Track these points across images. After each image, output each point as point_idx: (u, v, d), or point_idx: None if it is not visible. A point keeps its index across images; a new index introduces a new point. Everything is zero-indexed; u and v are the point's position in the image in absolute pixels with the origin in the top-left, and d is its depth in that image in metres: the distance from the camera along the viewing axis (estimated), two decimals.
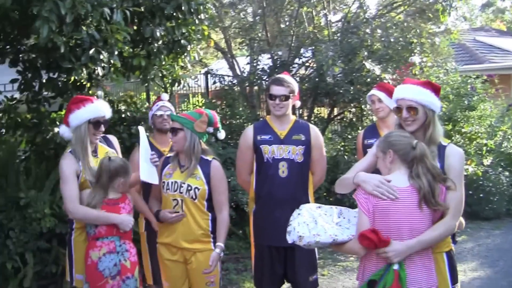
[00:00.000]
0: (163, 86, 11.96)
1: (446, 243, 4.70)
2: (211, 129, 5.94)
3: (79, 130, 5.71)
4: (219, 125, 5.98)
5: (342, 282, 9.33)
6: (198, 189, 5.64)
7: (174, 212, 5.67)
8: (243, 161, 6.48)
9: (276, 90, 6.15)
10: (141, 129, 5.97)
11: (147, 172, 5.76)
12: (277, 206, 6.05)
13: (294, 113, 6.56)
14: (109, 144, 6.14)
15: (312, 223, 4.51)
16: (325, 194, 12.26)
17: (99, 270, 5.47)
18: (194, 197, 5.65)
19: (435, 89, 4.78)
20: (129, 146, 9.52)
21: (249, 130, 6.39)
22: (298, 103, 6.48)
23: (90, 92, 8.57)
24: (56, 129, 5.81)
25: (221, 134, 6.05)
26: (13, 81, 8.24)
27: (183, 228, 5.67)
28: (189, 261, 5.74)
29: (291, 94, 6.15)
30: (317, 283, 6.43)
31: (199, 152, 5.73)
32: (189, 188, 5.64)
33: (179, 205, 5.68)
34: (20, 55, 8.18)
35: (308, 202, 6.11)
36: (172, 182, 5.71)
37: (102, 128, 5.88)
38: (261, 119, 12.98)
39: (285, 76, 6.37)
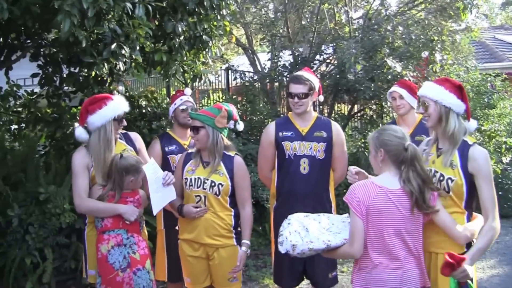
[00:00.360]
0: (184, 81, 11.96)
1: (459, 247, 4.64)
2: (232, 124, 5.90)
3: (104, 129, 5.61)
4: (237, 117, 5.94)
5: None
6: (222, 185, 5.61)
7: (197, 206, 5.63)
8: (264, 157, 6.44)
9: (294, 88, 6.11)
10: (146, 168, 5.72)
11: (159, 200, 5.68)
12: (298, 203, 5.99)
13: (315, 109, 6.51)
14: (128, 141, 6.04)
15: (303, 231, 4.53)
16: (345, 191, 12.17)
17: (109, 262, 5.43)
18: (217, 193, 5.62)
19: (452, 86, 4.81)
20: (149, 142, 9.48)
21: (271, 127, 6.36)
22: (321, 98, 6.43)
23: (111, 87, 8.55)
24: (76, 124, 5.71)
25: (240, 126, 6.01)
26: (34, 75, 8.21)
27: (205, 224, 5.65)
28: (212, 257, 5.71)
29: (310, 91, 6.11)
30: (336, 280, 6.40)
31: (222, 148, 5.69)
32: (213, 184, 5.61)
33: (202, 201, 5.66)
34: (41, 50, 8.15)
35: (329, 198, 6.22)
36: (195, 179, 5.67)
37: (124, 123, 5.85)
38: (282, 115, 12.98)
39: (304, 72, 6.33)
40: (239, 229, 5.76)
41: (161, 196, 5.64)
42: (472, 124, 4.90)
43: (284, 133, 6.20)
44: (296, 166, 6.10)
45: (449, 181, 4.67)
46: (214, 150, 5.64)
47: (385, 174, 4.50)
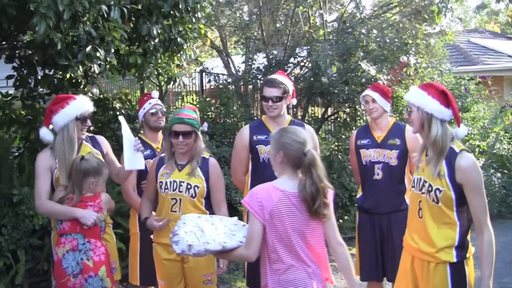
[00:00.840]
0: (159, 84, 11.97)
1: (447, 252, 4.71)
2: (205, 126, 5.97)
3: (66, 129, 5.59)
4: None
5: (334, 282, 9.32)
6: (198, 187, 5.62)
7: (159, 219, 5.65)
8: (238, 161, 6.47)
9: (268, 91, 6.15)
10: (122, 118, 5.87)
11: (131, 160, 5.72)
12: None
13: (288, 112, 6.54)
14: (95, 144, 5.99)
15: (199, 232, 4.51)
16: (341, 192, 12.30)
17: (63, 267, 5.40)
18: (193, 195, 5.62)
19: (435, 92, 4.76)
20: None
21: (245, 130, 6.39)
22: (294, 101, 6.48)
23: (86, 89, 8.55)
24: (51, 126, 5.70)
25: (205, 126, 6.09)
26: (8, 77, 8.20)
27: None
28: (186, 259, 5.70)
29: (284, 95, 6.16)
30: None
31: (201, 150, 5.72)
32: (189, 186, 5.61)
33: (177, 204, 5.64)
34: (16, 51, 8.15)
35: None
36: (171, 182, 5.65)
37: (89, 123, 5.79)
38: (255, 118, 13.02)
39: (278, 76, 6.36)
40: None
41: (133, 157, 5.74)
42: (462, 130, 4.83)
43: (258, 137, 6.24)
44: (270, 170, 6.03)
45: (437, 191, 4.67)
46: (196, 153, 5.67)
47: (284, 177, 4.50)
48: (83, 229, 5.45)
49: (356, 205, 7.73)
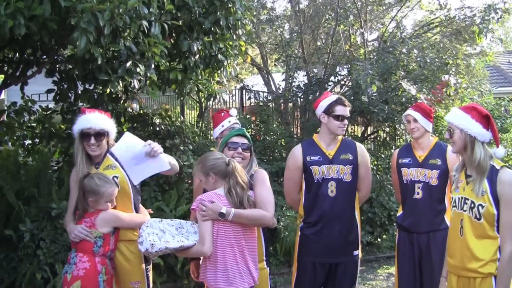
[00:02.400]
0: (199, 100, 11.97)
1: (491, 265, 4.72)
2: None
3: (75, 141, 5.66)
4: None
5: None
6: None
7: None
8: (292, 181, 6.42)
9: (343, 110, 6.18)
10: (120, 143, 5.72)
11: (141, 172, 5.71)
12: (325, 224, 6.10)
13: None
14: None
15: (160, 233, 5.06)
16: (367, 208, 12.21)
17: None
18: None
19: (478, 115, 4.83)
20: None
21: (298, 151, 6.35)
22: None
23: (126, 104, 8.56)
24: None
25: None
26: (49, 91, 8.26)
27: None
28: None
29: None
30: None
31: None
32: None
33: None
34: (57, 66, 8.21)
35: (355, 218, 6.24)
36: None
37: (92, 140, 5.56)
38: (295, 136, 12.98)
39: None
40: None
41: (143, 168, 5.67)
42: (500, 151, 4.92)
43: (312, 157, 6.20)
44: (324, 189, 6.11)
45: (480, 207, 4.73)
46: (252, 168, 5.63)
47: (219, 189, 5.15)
48: (73, 243, 5.45)
49: (395, 223, 7.68)
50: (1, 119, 9.39)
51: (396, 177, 7.00)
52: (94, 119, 5.63)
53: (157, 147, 5.54)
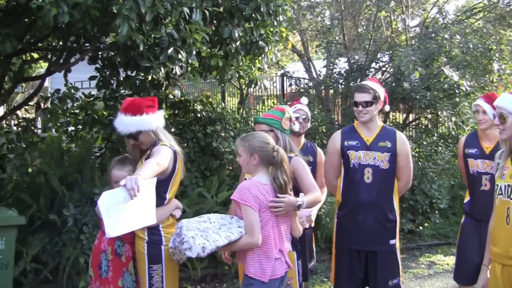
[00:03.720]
0: (240, 87, 11.99)
1: None
2: (295, 126, 5.99)
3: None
4: (294, 118, 6.09)
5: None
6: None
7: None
8: (330, 165, 6.43)
9: (359, 96, 6.12)
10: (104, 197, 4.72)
11: (118, 224, 4.69)
12: (360, 211, 6.06)
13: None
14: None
15: (204, 233, 4.84)
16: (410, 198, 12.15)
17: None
18: None
19: None
20: (203, 146, 9.56)
21: (337, 135, 6.35)
22: (387, 108, 6.43)
23: (167, 91, 8.61)
24: None
25: (296, 127, 6.20)
26: (91, 78, 8.33)
27: None
28: None
29: (375, 100, 6.10)
30: (399, 287, 6.27)
31: (289, 150, 5.71)
32: None
33: None
34: (99, 53, 8.27)
35: (392, 207, 6.16)
36: None
37: (130, 142, 5.59)
38: (336, 123, 12.94)
39: (369, 82, 6.33)
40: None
41: (120, 220, 4.70)
42: None
43: (349, 142, 6.19)
44: (360, 175, 6.07)
45: None
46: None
47: (261, 173, 5.05)
48: None
49: (451, 208, 7.56)
50: (45, 106, 9.51)
51: (462, 164, 6.89)
52: (119, 125, 5.55)
53: (133, 183, 4.59)
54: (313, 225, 6.90)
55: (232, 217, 5.10)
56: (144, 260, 5.38)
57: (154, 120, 5.48)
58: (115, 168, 5.53)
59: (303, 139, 6.97)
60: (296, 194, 5.27)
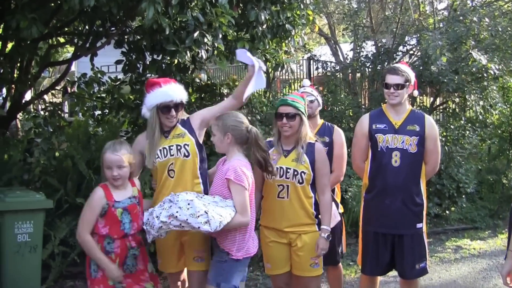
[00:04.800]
0: (266, 70, 11.93)
1: None
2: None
3: (149, 114, 5.57)
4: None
5: (438, 273, 9.13)
6: (304, 173, 5.57)
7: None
8: (358, 148, 6.42)
9: (391, 79, 6.10)
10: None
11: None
12: (388, 194, 6.05)
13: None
14: (185, 124, 5.70)
15: (211, 208, 4.88)
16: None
17: None
18: (300, 181, 5.59)
19: None
20: None
21: (365, 118, 6.35)
22: (415, 93, 6.39)
23: (193, 75, 8.59)
24: None
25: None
26: (117, 62, 8.33)
27: (288, 213, 5.64)
28: (294, 243, 5.69)
29: (406, 83, 6.09)
30: (425, 271, 6.28)
31: (307, 135, 5.66)
32: (296, 173, 5.57)
33: (284, 190, 5.62)
34: (125, 37, 8.27)
35: (420, 191, 6.15)
36: (277, 168, 5.60)
37: (172, 113, 5.52)
38: (363, 106, 12.88)
39: (400, 65, 6.32)
40: (319, 215, 5.72)
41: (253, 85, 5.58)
42: None
43: (377, 126, 6.18)
44: (388, 159, 6.06)
45: None
46: (302, 138, 5.61)
47: (239, 153, 5.25)
48: None
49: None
50: (72, 90, 9.56)
51: None
52: (173, 92, 5.55)
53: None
54: (341, 210, 6.90)
55: (214, 197, 5.14)
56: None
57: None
58: (108, 151, 5.24)
59: (319, 121, 6.87)
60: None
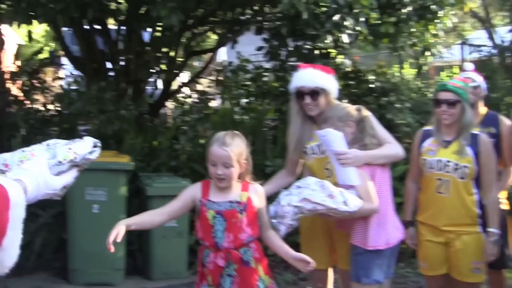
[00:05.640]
0: (414, 55, 11.66)
1: None
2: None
3: (291, 100, 5.21)
4: None
5: None
6: (467, 168, 5.11)
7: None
8: None
9: None
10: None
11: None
12: None
13: None
14: None
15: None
16: None
17: None
18: (463, 176, 5.14)
19: None
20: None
21: None
22: None
23: (336, 61, 8.47)
24: None
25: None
26: (259, 48, 8.36)
27: (447, 211, 5.20)
28: (452, 243, 5.26)
29: None
30: None
31: (471, 125, 5.19)
32: (457, 167, 5.13)
33: (444, 186, 5.19)
34: (265, 23, 8.28)
35: None
36: (436, 161, 5.23)
37: (307, 100, 4.98)
38: None
39: None
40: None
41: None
42: None
43: None
44: None
45: None
46: (466, 128, 5.15)
47: None
48: None
49: None
50: (218, 78, 9.73)
51: None
52: (307, 76, 5.08)
53: (347, 158, 4.65)
54: (507, 207, 6.40)
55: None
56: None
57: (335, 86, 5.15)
58: (215, 144, 4.21)
59: (482, 109, 6.38)
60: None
